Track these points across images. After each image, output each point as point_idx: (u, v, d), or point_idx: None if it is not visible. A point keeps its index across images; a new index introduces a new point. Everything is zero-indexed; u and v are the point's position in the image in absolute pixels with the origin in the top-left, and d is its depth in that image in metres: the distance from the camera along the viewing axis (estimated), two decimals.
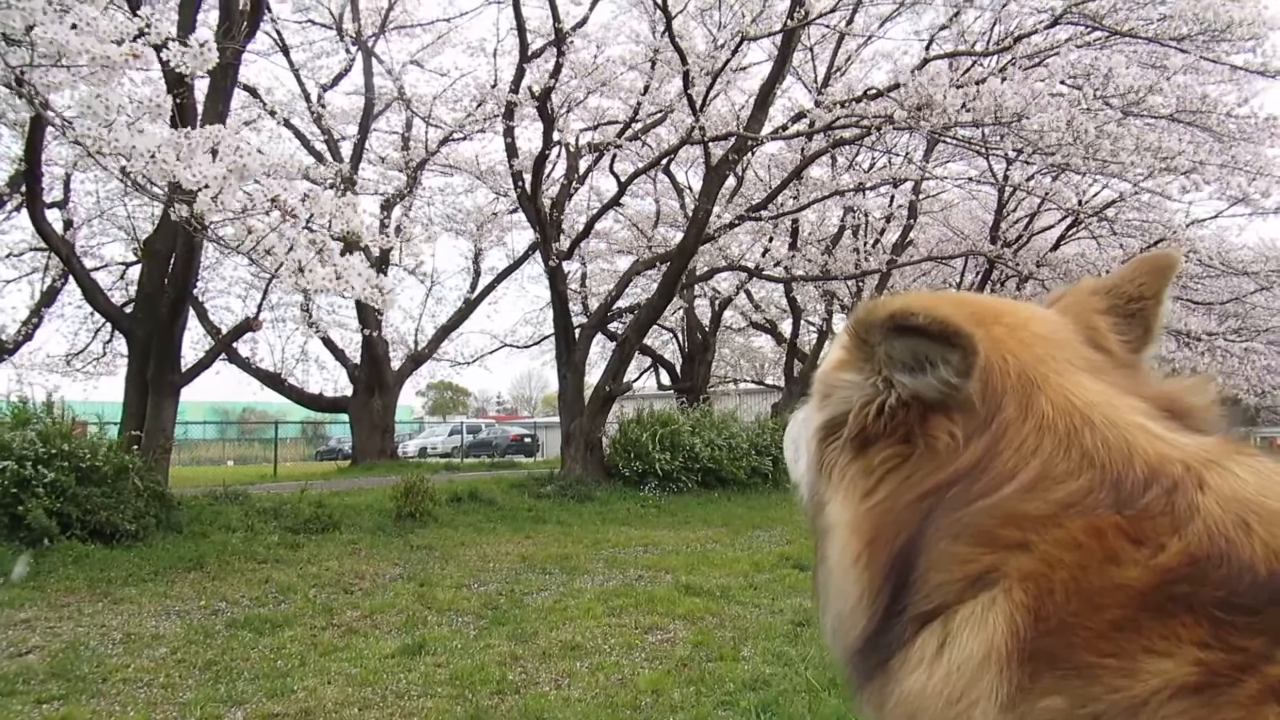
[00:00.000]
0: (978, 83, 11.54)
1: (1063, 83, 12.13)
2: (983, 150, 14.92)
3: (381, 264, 20.13)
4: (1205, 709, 0.75)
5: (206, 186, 6.59)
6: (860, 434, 0.95)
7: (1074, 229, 20.77)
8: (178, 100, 7.90)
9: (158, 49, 6.74)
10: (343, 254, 7.99)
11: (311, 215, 7.47)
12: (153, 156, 6.38)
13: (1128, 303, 1.02)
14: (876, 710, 0.91)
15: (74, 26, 5.96)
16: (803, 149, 16.07)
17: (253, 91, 17.99)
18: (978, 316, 0.94)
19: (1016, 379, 0.92)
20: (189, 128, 8.89)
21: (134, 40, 6.33)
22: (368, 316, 19.16)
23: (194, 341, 18.23)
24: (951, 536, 0.87)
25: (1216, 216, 19.22)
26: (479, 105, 18.33)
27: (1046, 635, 0.81)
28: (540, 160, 15.43)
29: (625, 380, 17.80)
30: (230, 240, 7.98)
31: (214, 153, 6.84)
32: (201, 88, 10.99)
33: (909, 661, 0.87)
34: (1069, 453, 0.88)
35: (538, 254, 17.94)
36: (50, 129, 10.41)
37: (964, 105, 11.36)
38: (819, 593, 1.03)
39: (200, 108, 10.67)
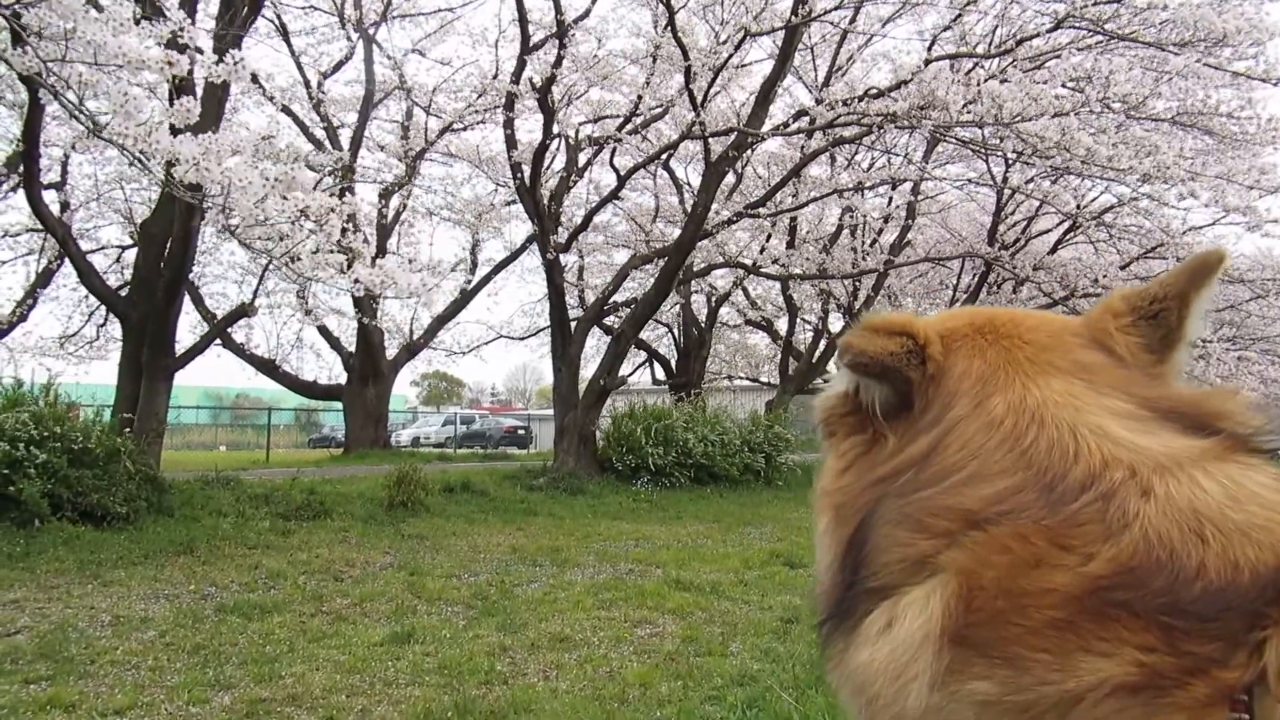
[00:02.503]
0: (980, 82, 11.54)
1: (1064, 85, 12.14)
2: (982, 152, 14.94)
3: (378, 253, 20.11)
4: (1144, 709, 0.76)
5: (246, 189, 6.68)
6: (829, 421, 1.04)
7: (1072, 233, 20.79)
8: (177, 84, 7.89)
9: (181, 48, 6.78)
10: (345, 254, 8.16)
11: (328, 215, 7.54)
12: (195, 165, 6.45)
13: (1150, 304, 1.02)
14: (837, 677, 0.95)
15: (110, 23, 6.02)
16: (802, 147, 16.07)
17: (253, 77, 17.89)
18: (975, 325, 1.01)
19: (975, 380, 0.96)
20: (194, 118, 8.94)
21: (165, 45, 6.40)
22: (364, 304, 19.13)
23: (189, 326, 18.25)
24: (893, 522, 0.92)
25: (1214, 224, 19.25)
26: (480, 95, 18.32)
27: (978, 625, 0.83)
28: (540, 152, 15.41)
29: (620, 375, 17.81)
30: (259, 246, 8.16)
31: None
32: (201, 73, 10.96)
33: (859, 634, 0.92)
34: (1009, 451, 0.90)
35: (535, 246, 17.93)
36: (51, 113, 10.42)
37: (966, 105, 11.35)
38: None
39: (199, 92, 10.64)
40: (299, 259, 8.11)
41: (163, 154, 6.58)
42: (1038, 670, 0.80)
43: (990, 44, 13.29)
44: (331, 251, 7.93)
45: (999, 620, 0.83)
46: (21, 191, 12.42)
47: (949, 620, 0.84)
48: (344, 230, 7.97)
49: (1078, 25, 11.77)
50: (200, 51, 6.89)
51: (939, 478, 0.91)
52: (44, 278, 17.86)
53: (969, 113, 11.49)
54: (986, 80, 11.67)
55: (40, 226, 14.42)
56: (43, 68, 6.46)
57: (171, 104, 7.23)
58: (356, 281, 8.05)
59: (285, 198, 7.03)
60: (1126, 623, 0.79)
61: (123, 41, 6.04)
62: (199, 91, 10.58)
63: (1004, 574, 0.84)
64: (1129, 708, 0.76)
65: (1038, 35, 12.21)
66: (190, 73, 6.77)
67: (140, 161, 7.07)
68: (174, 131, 7.12)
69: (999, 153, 14.28)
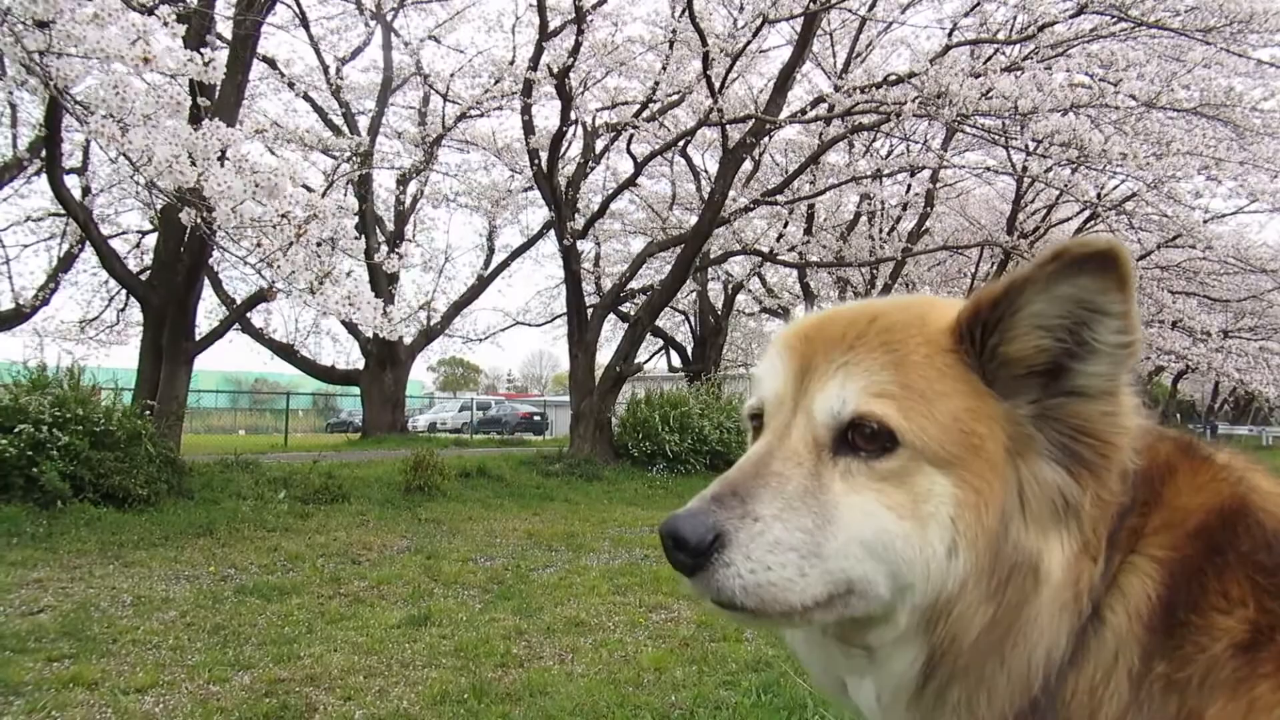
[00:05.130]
0: (1001, 70, 11.42)
1: (1086, 73, 12.00)
2: (1001, 141, 14.82)
3: (396, 239, 20.17)
4: (1250, 665, 0.83)
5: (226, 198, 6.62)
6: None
7: (1092, 222, 20.61)
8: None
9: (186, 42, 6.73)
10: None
11: (306, 227, 7.47)
12: (170, 165, 6.37)
13: None
14: None
15: (96, 15, 5.96)
16: (820, 134, 15.99)
17: (271, 63, 17.98)
18: None
19: None
20: (207, 100, 8.93)
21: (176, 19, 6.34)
22: (381, 290, 19.19)
23: (208, 311, 18.32)
24: (1127, 513, 0.99)
25: (1237, 213, 19.06)
26: (496, 82, 18.29)
27: (1168, 588, 0.91)
28: (557, 138, 15.39)
29: (636, 361, 17.81)
30: (237, 251, 8.12)
31: (222, 156, 6.84)
32: (220, 59, 10.99)
33: (1067, 668, 0.95)
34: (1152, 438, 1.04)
35: (552, 232, 17.92)
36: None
37: (983, 95, 11.24)
38: (969, 685, 0.98)
39: (220, 78, 10.68)
40: (275, 264, 8.04)
41: (137, 153, 6.46)
42: (1194, 636, 0.86)
43: (1011, 30, 13.16)
44: (314, 270, 7.86)
45: (1180, 575, 0.91)
46: (44, 176, 12.51)
47: (1147, 598, 0.91)
48: (320, 244, 7.87)
49: (1100, 11, 11.63)
50: (218, 37, 6.86)
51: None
52: (65, 262, 18.00)
53: (986, 104, 11.38)
54: (1005, 69, 11.55)
55: (62, 211, 14.53)
56: (28, 56, 6.39)
57: (192, 95, 7.22)
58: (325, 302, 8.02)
59: (263, 203, 6.96)
60: (1229, 577, 0.88)
61: (103, 35, 5.93)
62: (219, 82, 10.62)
63: (1185, 515, 0.95)
64: (1240, 666, 0.83)
65: (1059, 22, 12.06)
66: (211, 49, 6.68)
67: (128, 159, 7.03)
68: (193, 119, 7.14)
69: (1018, 143, 14.17)
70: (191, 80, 8.27)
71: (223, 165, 6.74)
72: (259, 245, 7.70)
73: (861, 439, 1.00)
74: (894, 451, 0.98)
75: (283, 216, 7.20)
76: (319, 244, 7.80)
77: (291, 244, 7.36)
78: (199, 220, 7.18)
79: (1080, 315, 0.95)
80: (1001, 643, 0.94)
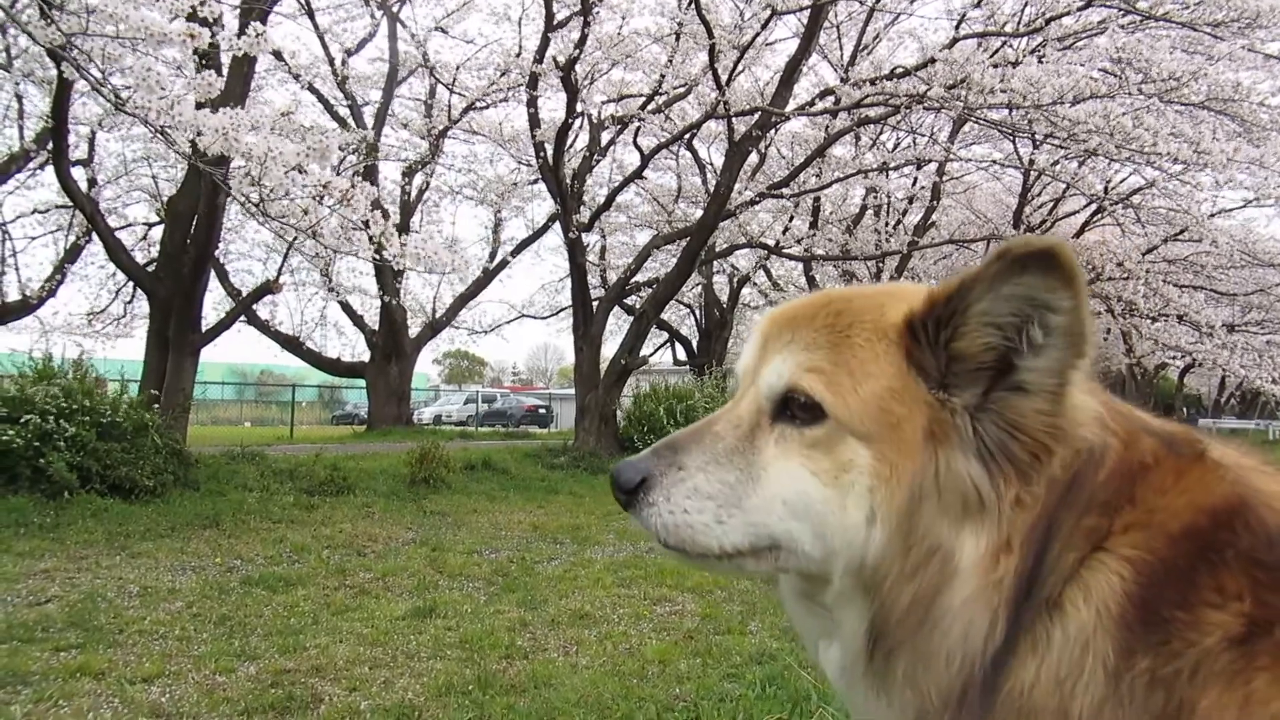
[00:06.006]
0: (1013, 64, 11.35)
1: (1101, 69, 11.93)
2: (1010, 133, 14.75)
3: (401, 232, 20.15)
4: (1245, 658, 0.83)
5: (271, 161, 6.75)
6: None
7: (1099, 215, 20.55)
8: (204, 62, 7.96)
9: (203, 21, 6.81)
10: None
11: (352, 191, 7.57)
12: (224, 136, 6.51)
13: None
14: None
15: None
16: (826, 127, 15.93)
17: (277, 54, 17.93)
18: None
19: None
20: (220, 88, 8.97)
21: (186, 19, 6.45)
22: (387, 283, 19.21)
23: (214, 303, 18.37)
24: (1069, 524, 0.96)
25: (1244, 206, 18.98)
26: (503, 74, 18.25)
27: (1142, 585, 0.90)
28: (563, 131, 15.37)
29: (641, 354, 17.81)
30: (284, 221, 8.28)
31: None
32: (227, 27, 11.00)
33: (1019, 654, 0.94)
34: (1130, 426, 1.03)
35: (557, 225, 17.90)
36: (79, 90, 10.51)
37: (1001, 81, 11.13)
38: (910, 658, 1.00)
39: (225, 69, 10.69)
40: (320, 234, 8.22)
41: (186, 127, 6.63)
42: (1182, 631, 0.86)
43: (1019, 22, 13.09)
44: (357, 228, 8.00)
45: (1156, 572, 0.90)
46: (51, 168, 12.54)
47: (1117, 592, 0.90)
48: (375, 207, 8.00)
49: (1109, 4, 11.56)
50: (223, 26, 6.95)
51: (1101, 458, 1.00)
52: (72, 253, 18.03)
53: (1004, 94, 11.29)
54: (1020, 60, 11.47)
55: (69, 202, 14.56)
56: (65, 41, 6.51)
57: (198, 72, 7.33)
58: (389, 255, 8.14)
59: (320, 166, 7.10)
60: (1225, 573, 0.88)
61: (144, 15, 6.10)
62: (225, 69, 10.64)
63: (1166, 517, 0.93)
64: (1235, 659, 0.83)
65: (1068, 14, 11.99)
66: (214, 46, 6.78)
67: (164, 136, 7.14)
68: (199, 106, 7.17)
69: (1026, 134, 14.11)
70: (195, 66, 8.37)
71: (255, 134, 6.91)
72: (306, 213, 7.86)
73: (797, 409, 1.08)
74: (822, 422, 1.06)
75: (324, 186, 7.35)
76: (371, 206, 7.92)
77: (334, 210, 7.53)
78: (253, 183, 7.34)
79: (1028, 312, 0.98)
80: (923, 623, 0.98)
